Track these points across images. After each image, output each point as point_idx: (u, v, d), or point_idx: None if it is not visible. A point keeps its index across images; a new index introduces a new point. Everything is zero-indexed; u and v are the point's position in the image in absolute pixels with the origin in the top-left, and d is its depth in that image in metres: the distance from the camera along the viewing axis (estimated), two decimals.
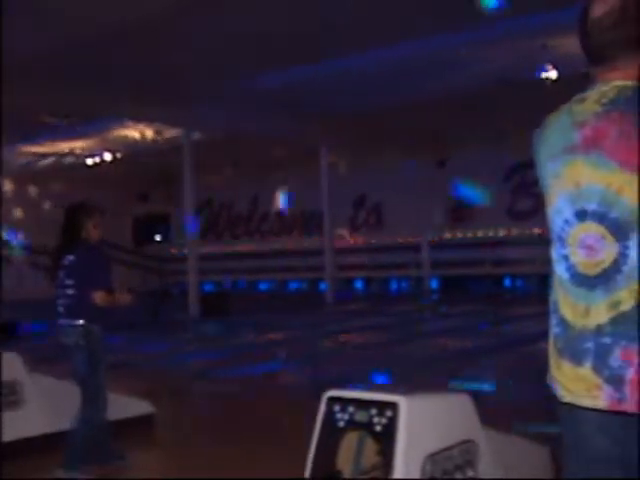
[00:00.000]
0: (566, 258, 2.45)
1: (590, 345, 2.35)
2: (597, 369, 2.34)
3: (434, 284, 26.87)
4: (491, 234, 25.11)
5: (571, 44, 16.74)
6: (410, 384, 8.28)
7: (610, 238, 2.31)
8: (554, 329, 2.52)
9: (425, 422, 2.87)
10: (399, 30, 14.34)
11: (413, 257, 26.58)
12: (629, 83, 2.40)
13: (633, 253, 2.27)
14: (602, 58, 2.45)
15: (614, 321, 2.31)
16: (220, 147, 23.68)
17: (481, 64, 16.77)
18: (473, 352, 12.56)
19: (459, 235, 26.00)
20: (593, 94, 2.44)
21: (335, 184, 23.92)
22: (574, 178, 2.40)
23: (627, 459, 2.44)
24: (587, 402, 2.39)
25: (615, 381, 2.30)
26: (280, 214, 31.11)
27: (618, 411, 2.34)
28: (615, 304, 2.30)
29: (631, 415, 2.34)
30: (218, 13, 13.03)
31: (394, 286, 28.40)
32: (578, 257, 2.39)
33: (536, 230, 23.88)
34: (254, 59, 15.53)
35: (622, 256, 2.29)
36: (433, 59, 16.50)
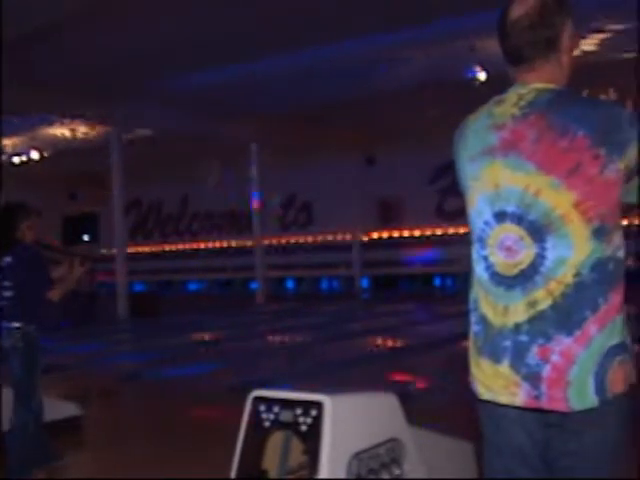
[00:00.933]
0: (485, 258, 2.48)
1: (508, 343, 2.40)
2: (515, 367, 2.39)
3: (365, 283, 26.98)
4: (421, 233, 25.30)
5: (497, 46, 16.98)
6: (336, 383, 8.31)
7: (528, 239, 2.36)
8: (474, 327, 2.55)
9: (350, 421, 2.86)
10: (330, 30, 14.38)
11: (343, 256, 26.63)
12: (547, 86, 2.45)
13: (550, 254, 2.33)
14: (520, 59, 2.48)
15: (532, 320, 2.36)
16: (149, 146, 23.45)
17: (411, 65, 16.89)
18: (402, 351, 12.64)
19: (389, 234, 26.13)
20: (511, 96, 2.49)
21: (265, 183, 23.89)
22: (493, 180, 2.43)
23: (545, 455, 2.52)
24: (505, 399, 2.45)
25: (532, 378, 2.36)
26: (210, 214, 30.93)
27: (535, 408, 2.41)
28: (533, 303, 2.36)
29: (547, 412, 2.41)
30: (149, 13, 12.93)
31: (325, 285, 28.45)
32: (497, 258, 2.43)
33: (464, 229, 24.16)
34: (184, 58, 15.42)
35: (540, 257, 2.35)
36: (363, 59, 16.57)
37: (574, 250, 2.32)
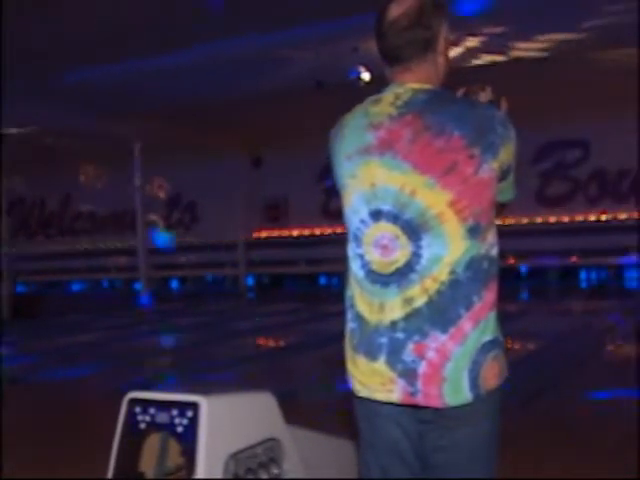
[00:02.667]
0: (361, 257, 2.51)
1: (384, 340, 2.43)
2: (391, 363, 2.42)
3: (250, 282, 26.94)
4: (306, 233, 25.40)
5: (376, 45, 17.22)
6: (218, 383, 8.28)
7: (404, 238, 2.39)
8: (350, 324, 2.58)
9: (227, 421, 2.85)
10: (215, 28, 14.30)
11: (229, 256, 26.52)
12: (423, 86, 2.49)
13: (426, 253, 2.37)
14: (397, 59, 2.53)
15: (407, 317, 2.40)
16: (30, 144, 22.90)
17: (295, 65, 16.95)
18: (285, 350, 12.67)
19: (274, 234, 26.15)
20: (388, 96, 2.52)
21: (149, 182, 23.62)
22: (369, 179, 2.45)
23: (419, 451, 2.55)
24: (381, 396, 2.48)
25: (408, 375, 2.40)
26: (93, 213, 30.36)
27: (411, 404, 2.46)
28: (409, 301, 2.39)
29: (423, 408, 2.47)
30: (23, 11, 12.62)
31: (210, 285, 28.28)
32: (373, 256, 2.46)
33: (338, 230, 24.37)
34: (66, 55, 15.11)
35: (415, 256, 2.39)
36: (248, 58, 16.53)
37: (449, 249, 2.36)
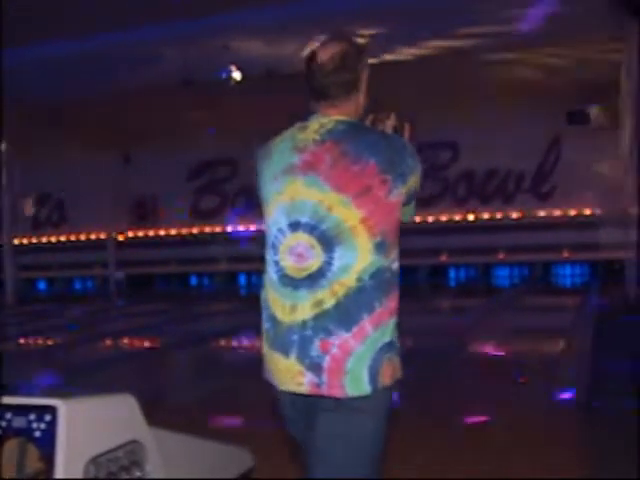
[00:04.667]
0: (276, 263, 2.82)
1: (296, 338, 2.76)
2: (300, 358, 2.76)
3: (119, 283, 26.46)
4: (176, 232, 25.12)
5: (252, 46, 17.27)
6: (76, 387, 8.10)
7: (318, 248, 2.72)
8: (265, 324, 2.92)
9: (87, 425, 2.79)
10: (85, 23, 14.03)
11: (98, 256, 25.98)
12: (344, 118, 2.86)
13: (337, 262, 2.71)
14: (324, 96, 2.89)
15: (316, 317, 2.73)
16: None
17: (166, 61, 16.78)
18: (154, 351, 12.51)
19: (144, 233, 25.77)
20: (314, 124, 2.87)
21: (17, 180, 22.94)
22: (291, 194, 2.77)
23: (327, 437, 2.81)
24: (293, 388, 2.84)
25: (314, 368, 2.74)
26: None
27: (317, 394, 2.79)
28: (318, 303, 2.72)
29: (327, 398, 2.78)
30: None
31: (79, 286, 27.67)
32: (287, 262, 2.78)
33: (220, 229, 24.29)
34: None
35: (327, 264, 2.71)
36: (118, 54, 16.28)
37: (358, 259, 2.70)
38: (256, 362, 9.75)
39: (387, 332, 2.76)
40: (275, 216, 2.80)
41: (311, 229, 2.71)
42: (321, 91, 2.86)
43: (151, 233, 25.54)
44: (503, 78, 19.05)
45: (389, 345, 2.77)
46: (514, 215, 21.46)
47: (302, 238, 2.73)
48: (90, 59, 16.29)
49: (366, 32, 16.35)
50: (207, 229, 24.40)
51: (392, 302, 2.78)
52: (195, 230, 24.75)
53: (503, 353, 11.07)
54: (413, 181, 2.85)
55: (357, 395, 2.72)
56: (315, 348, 2.70)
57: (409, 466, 5.40)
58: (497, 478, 5.07)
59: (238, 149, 23.52)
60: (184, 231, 24.98)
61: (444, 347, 10.74)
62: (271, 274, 2.84)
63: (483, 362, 10.14)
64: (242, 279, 25.14)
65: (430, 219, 21.61)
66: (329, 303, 2.69)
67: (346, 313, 2.68)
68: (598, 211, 21.06)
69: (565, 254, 21.27)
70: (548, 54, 17.89)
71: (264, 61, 16.41)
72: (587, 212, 21.18)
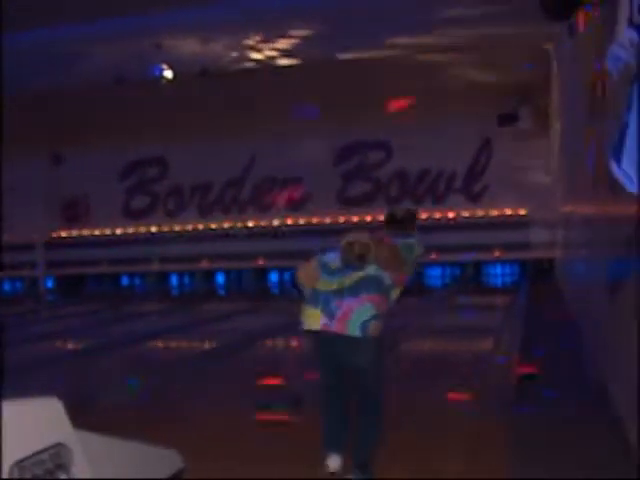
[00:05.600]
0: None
1: (322, 298, 5.12)
2: (324, 310, 5.10)
3: (49, 284, 26.09)
4: (108, 232, 24.83)
5: (184, 45, 17.17)
6: (9, 388, 7.95)
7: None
8: (306, 293, 5.24)
9: (11, 428, 2.73)
10: (15, 18, 13.77)
11: (27, 257, 25.53)
12: None
13: (362, 272, 5.15)
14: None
15: (336, 290, 5.07)
16: None
17: (98, 60, 16.56)
18: (83, 353, 12.36)
19: (75, 233, 25.40)
20: None
21: None
22: None
23: (339, 358, 5.13)
24: (315, 327, 5.14)
25: (329, 317, 5.07)
26: None
27: (329, 331, 5.05)
28: (340, 284, 5.08)
29: (335, 334, 5.02)
30: None
31: (7, 287, 27.17)
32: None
33: (153, 228, 24.08)
34: None
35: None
36: (47, 51, 16.02)
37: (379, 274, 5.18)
38: (185, 362, 9.68)
39: (376, 309, 5.05)
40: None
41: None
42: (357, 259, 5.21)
43: (82, 233, 25.18)
44: (435, 80, 19.24)
45: (375, 317, 5.02)
46: (445, 215, 21.67)
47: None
48: (21, 56, 16.01)
49: (300, 32, 16.39)
50: (138, 229, 24.19)
51: (383, 298, 5.14)
52: (126, 230, 24.50)
53: (435, 352, 11.16)
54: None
55: (353, 335, 4.98)
56: (333, 305, 5.08)
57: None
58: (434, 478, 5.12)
59: (169, 148, 23.41)
60: (116, 231, 24.72)
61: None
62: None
63: (414, 362, 10.21)
64: (174, 279, 24.99)
65: (368, 219, 21.66)
66: (347, 284, 5.10)
67: (355, 290, 5.06)
68: (528, 211, 21.38)
69: (496, 254, 21.56)
70: (479, 57, 18.11)
71: (197, 60, 16.31)
72: (517, 212, 21.49)
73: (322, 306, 5.04)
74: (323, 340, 5.09)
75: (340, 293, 5.00)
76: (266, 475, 5.34)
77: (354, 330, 4.93)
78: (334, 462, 5.20)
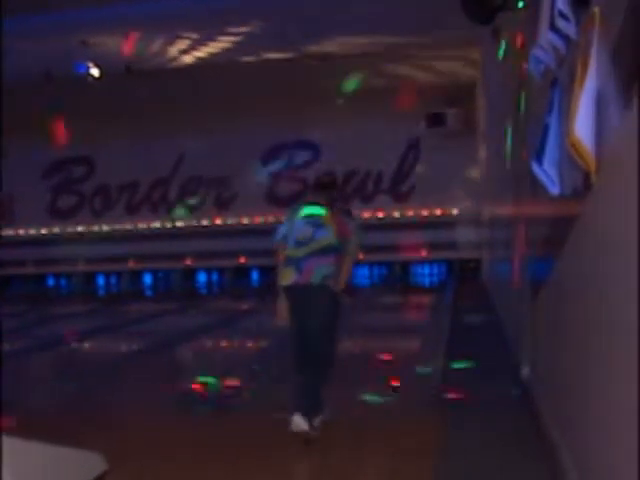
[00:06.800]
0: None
1: (294, 262, 6.29)
2: (295, 270, 6.28)
3: None
4: (33, 232, 24.39)
5: (110, 42, 16.95)
6: None
7: (312, 229, 6.43)
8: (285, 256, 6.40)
9: None
10: None
11: None
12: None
13: (316, 235, 6.35)
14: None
15: (302, 255, 6.28)
16: None
17: (22, 56, 16.25)
18: (9, 355, 12.12)
19: None
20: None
21: None
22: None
23: (304, 303, 6.28)
24: (287, 282, 6.31)
25: (299, 273, 6.26)
26: None
27: (298, 283, 6.27)
28: (306, 251, 6.32)
29: (302, 284, 6.26)
30: None
31: None
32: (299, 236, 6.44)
33: (79, 228, 23.75)
34: None
35: (315, 235, 6.38)
36: None
37: (329, 236, 6.36)
38: (110, 363, 9.57)
39: (334, 269, 6.26)
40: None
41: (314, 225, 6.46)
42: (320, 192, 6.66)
43: (6, 233, 24.67)
44: (364, 81, 19.36)
45: (333, 273, 6.25)
46: (375, 215, 21.78)
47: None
48: None
49: (229, 30, 16.33)
50: (64, 229, 23.83)
51: (340, 259, 6.32)
52: (52, 230, 24.11)
53: (361, 351, 11.21)
54: None
55: (315, 284, 6.21)
56: (301, 263, 6.25)
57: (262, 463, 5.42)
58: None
59: (96, 147, 23.11)
60: (41, 231, 24.30)
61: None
62: (291, 243, 6.44)
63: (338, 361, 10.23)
64: (100, 280, 24.68)
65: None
66: (314, 250, 6.29)
67: (320, 254, 6.26)
68: (455, 211, 21.62)
69: (423, 254, 21.75)
70: (408, 59, 18.26)
71: (123, 57, 16.14)
72: (444, 212, 21.71)
73: (294, 267, 6.26)
74: (293, 290, 6.28)
75: (307, 256, 6.25)
76: (191, 476, 5.31)
77: (315, 280, 6.20)
78: (298, 421, 5.89)
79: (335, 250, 6.30)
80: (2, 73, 13.59)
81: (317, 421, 5.97)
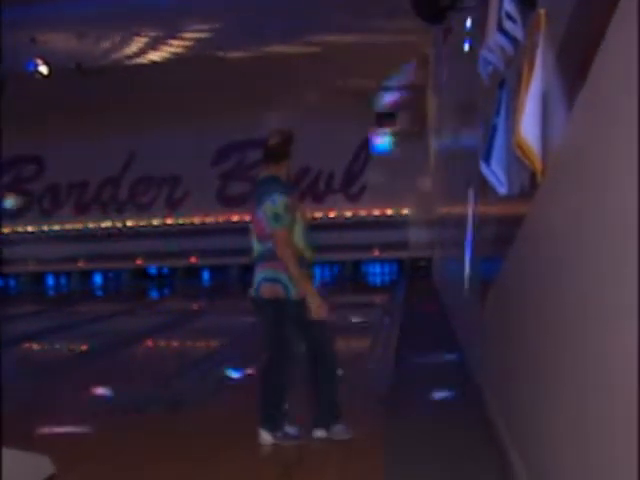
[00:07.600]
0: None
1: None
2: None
3: None
4: None
5: (59, 40, 16.75)
6: None
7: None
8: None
9: None
10: None
11: None
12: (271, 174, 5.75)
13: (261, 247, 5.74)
14: (269, 162, 5.77)
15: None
16: None
17: None
18: None
19: None
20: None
21: None
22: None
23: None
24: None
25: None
26: None
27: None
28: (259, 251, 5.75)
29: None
30: None
31: None
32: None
33: (29, 228, 23.47)
34: None
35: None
36: None
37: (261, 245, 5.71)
38: (58, 364, 9.42)
39: (274, 272, 5.58)
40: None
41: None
42: (268, 159, 5.85)
43: None
44: (316, 79, 19.37)
45: (272, 278, 5.59)
46: (327, 214, 21.81)
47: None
48: None
49: (181, 29, 16.25)
50: (13, 228, 23.53)
51: (282, 264, 5.54)
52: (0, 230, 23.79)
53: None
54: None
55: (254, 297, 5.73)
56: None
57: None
58: None
59: (45, 146, 22.84)
60: None
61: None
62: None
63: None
64: (50, 280, 24.40)
65: (248, 218, 21.59)
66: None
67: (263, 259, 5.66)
68: (406, 211, 21.73)
69: (375, 253, 21.83)
70: (360, 58, 18.31)
71: (72, 55, 15.98)
72: (396, 212, 21.80)
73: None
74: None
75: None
76: (139, 478, 5.27)
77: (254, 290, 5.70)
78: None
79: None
80: None
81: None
